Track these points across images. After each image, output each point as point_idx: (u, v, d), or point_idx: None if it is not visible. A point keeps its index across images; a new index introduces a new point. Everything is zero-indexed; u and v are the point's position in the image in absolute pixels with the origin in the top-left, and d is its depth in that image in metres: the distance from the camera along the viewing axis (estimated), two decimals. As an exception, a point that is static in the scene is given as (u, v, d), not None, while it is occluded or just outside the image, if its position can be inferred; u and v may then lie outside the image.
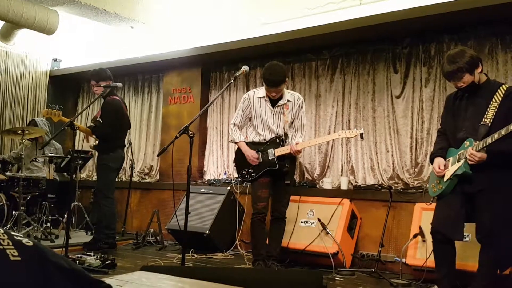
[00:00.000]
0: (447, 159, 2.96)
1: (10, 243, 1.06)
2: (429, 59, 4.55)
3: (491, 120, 2.70)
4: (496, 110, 2.71)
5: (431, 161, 3.05)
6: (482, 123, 2.73)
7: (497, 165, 2.69)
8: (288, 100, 3.90)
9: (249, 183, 4.36)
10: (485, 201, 2.72)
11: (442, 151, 3.02)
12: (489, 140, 2.64)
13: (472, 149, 2.71)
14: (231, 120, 4.09)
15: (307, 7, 4.99)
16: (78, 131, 4.26)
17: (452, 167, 2.87)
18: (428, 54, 4.56)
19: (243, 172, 3.90)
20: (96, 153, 4.98)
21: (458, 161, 2.82)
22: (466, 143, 2.81)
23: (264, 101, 3.89)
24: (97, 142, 4.68)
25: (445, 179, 2.89)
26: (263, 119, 3.88)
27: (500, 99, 2.72)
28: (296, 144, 3.79)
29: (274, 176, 3.86)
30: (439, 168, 2.93)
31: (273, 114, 3.88)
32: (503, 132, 2.58)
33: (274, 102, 3.88)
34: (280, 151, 3.80)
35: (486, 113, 2.73)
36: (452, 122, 2.97)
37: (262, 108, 3.89)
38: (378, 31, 4.55)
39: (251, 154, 3.82)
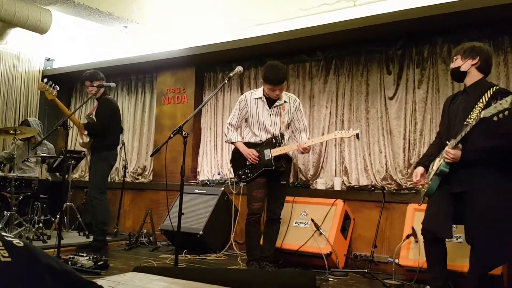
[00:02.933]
0: (434, 160, 3.01)
1: (1, 244, 1.05)
2: (422, 60, 4.58)
3: (474, 121, 2.72)
4: (480, 110, 2.72)
5: (415, 168, 3.16)
6: (465, 122, 2.75)
7: (481, 165, 2.72)
8: (285, 101, 3.91)
9: (243, 184, 4.36)
10: (472, 202, 2.74)
11: (427, 159, 3.10)
12: (459, 137, 2.70)
13: (448, 147, 2.76)
14: (227, 120, 4.08)
15: (301, 8, 5.00)
16: (71, 131, 4.21)
17: (435, 166, 2.94)
18: (421, 56, 4.59)
19: (240, 172, 3.89)
20: (89, 152, 4.90)
21: (440, 160, 2.87)
22: (448, 143, 2.85)
23: (261, 102, 3.89)
24: (88, 139, 4.63)
25: (429, 179, 2.97)
26: (259, 120, 3.88)
27: (486, 100, 2.74)
28: (308, 139, 3.79)
29: (270, 177, 3.86)
30: (416, 178, 3.08)
31: (270, 115, 3.88)
32: (468, 129, 2.65)
33: (271, 103, 3.88)
34: (276, 151, 3.80)
35: (471, 113, 2.74)
36: (447, 123, 3.01)
37: (259, 109, 3.89)
38: (372, 33, 4.57)
39: (251, 152, 3.81)
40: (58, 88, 4.49)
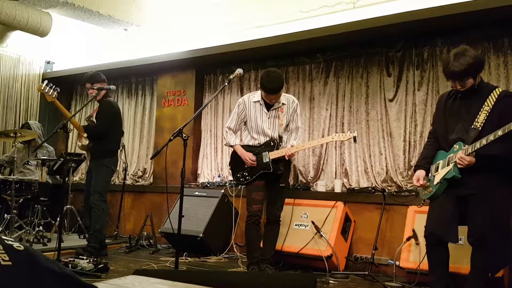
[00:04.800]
0: (436, 162, 2.99)
1: (1, 248, 1.05)
2: (422, 62, 4.58)
3: (482, 124, 2.71)
4: (487, 114, 2.72)
5: (414, 171, 3.12)
6: (473, 126, 2.74)
7: (488, 169, 2.71)
8: (283, 103, 3.91)
9: (243, 186, 4.36)
10: (477, 205, 2.73)
11: (426, 161, 3.06)
12: (477, 145, 2.66)
13: (462, 153, 2.73)
14: (226, 124, 4.09)
15: (301, 10, 5.00)
16: (71, 134, 4.19)
17: (442, 170, 2.89)
18: (421, 58, 4.59)
19: (238, 175, 3.91)
20: (88, 155, 4.87)
21: (448, 164, 2.84)
22: (456, 146, 2.83)
23: (259, 105, 3.90)
24: (87, 142, 4.60)
25: (435, 182, 2.92)
26: (258, 123, 3.89)
27: (492, 103, 2.73)
28: (291, 146, 3.80)
29: (268, 179, 3.87)
30: (417, 181, 3.02)
31: (268, 118, 3.89)
32: (491, 137, 2.60)
33: (269, 106, 3.89)
34: (274, 154, 3.81)
35: (478, 116, 2.74)
36: (444, 123, 2.98)
37: (257, 112, 3.90)
38: (372, 35, 4.58)
39: (248, 156, 3.82)
40: (58, 90, 4.46)
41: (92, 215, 4.49)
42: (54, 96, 4.42)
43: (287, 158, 3.83)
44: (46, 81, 4.50)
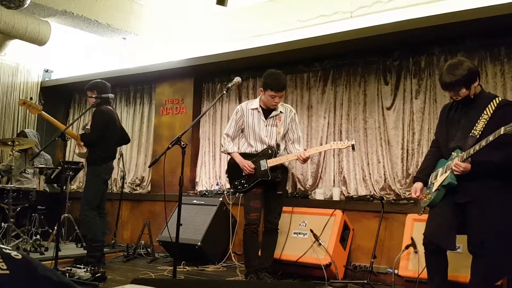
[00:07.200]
0: (436, 170, 3.00)
1: (-1, 256, 1.04)
2: (419, 71, 4.61)
3: (480, 132, 2.73)
4: (486, 122, 2.74)
5: (413, 182, 3.15)
6: (471, 134, 2.76)
7: (487, 176, 2.72)
8: (281, 112, 3.93)
9: (241, 194, 4.36)
10: (476, 212, 2.73)
11: (425, 173, 3.09)
12: (471, 151, 2.69)
13: (457, 160, 2.75)
14: (224, 131, 4.10)
15: (299, 20, 5.04)
16: (69, 142, 4.17)
17: (440, 177, 2.91)
18: (418, 66, 4.62)
19: (236, 183, 3.90)
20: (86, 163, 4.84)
21: (446, 172, 2.86)
22: (454, 154, 2.85)
23: (257, 113, 3.91)
24: (85, 150, 4.58)
25: (433, 189, 2.94)
26: (255, 131, 3.89)
27: (491, 112, 2.75)
28: (305, 150, 3.80)
29: (266, 187, 3.86)
30: (415, 193, 3.07)
31: (266, 126, 3.90)
32: (483, 143, 2.62)
33: (267, 113, 3.90)
34: (272, 162, 3.81)
35: (476, 125, 2.76)
36: (445, 132, 3.01)
37: (255, 119, 3.91)
38: (369, 44, 4.61)
39: (247, 164, 3.82)
40: (42, 103, 4.45)
41: (81, 224, 4.44)
42: (39, 108, 4.41)
43: (301, 163, 3.82)
44: (29, 97, 4.51)
